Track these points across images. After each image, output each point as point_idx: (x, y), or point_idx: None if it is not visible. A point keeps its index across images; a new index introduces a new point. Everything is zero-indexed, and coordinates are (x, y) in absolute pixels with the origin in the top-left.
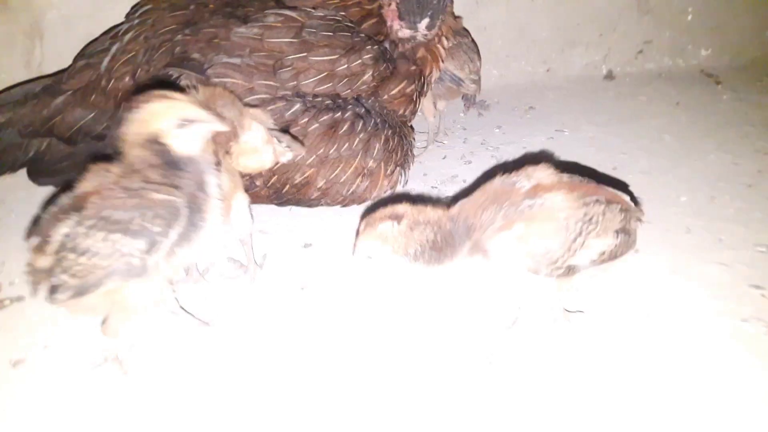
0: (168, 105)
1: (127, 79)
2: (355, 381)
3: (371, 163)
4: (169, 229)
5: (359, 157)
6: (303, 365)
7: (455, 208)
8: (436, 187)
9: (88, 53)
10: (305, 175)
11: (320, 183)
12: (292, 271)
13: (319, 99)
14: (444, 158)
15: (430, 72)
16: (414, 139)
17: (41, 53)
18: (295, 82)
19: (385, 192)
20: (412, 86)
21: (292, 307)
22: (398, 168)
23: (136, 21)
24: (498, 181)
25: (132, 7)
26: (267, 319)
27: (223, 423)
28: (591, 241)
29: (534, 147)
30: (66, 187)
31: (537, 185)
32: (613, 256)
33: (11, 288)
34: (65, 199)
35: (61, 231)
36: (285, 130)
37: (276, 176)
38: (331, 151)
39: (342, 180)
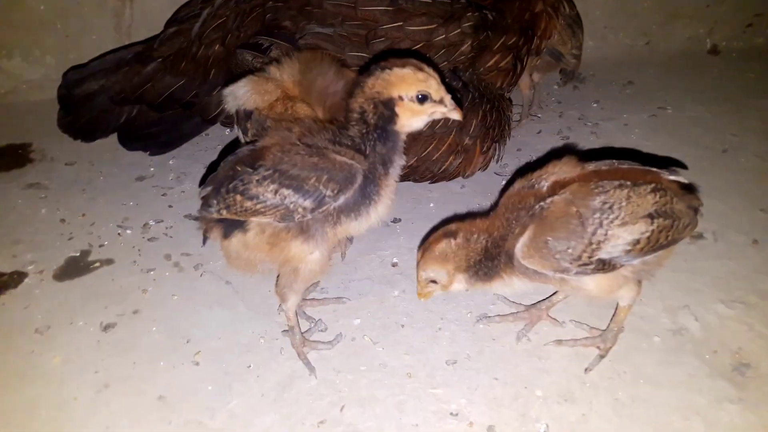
0: (420, 77)
1: (217, 46)
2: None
3: (467, 141)
4: (340, 194)
5: (453, 134)
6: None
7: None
8: (530, 163)
9: (180, 18)
10: None
11: (410, 161)
12: (383, 247)
13: None
14: (539, 133)
15: (542, 39)
16: (512, 113)
17: (131, 15)
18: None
19: (479, 169)
20: (508, 59)
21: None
22: (494, 144)
23: None
24: (517, 185)
25: None
26: (364, 294)
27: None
28: (616, 230)
29: (636, 124)
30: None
31: (554, 182)
32: (656, 244)
33: (101, 250)
34: (245, 150)
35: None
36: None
37: None
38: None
39: (434, 158)
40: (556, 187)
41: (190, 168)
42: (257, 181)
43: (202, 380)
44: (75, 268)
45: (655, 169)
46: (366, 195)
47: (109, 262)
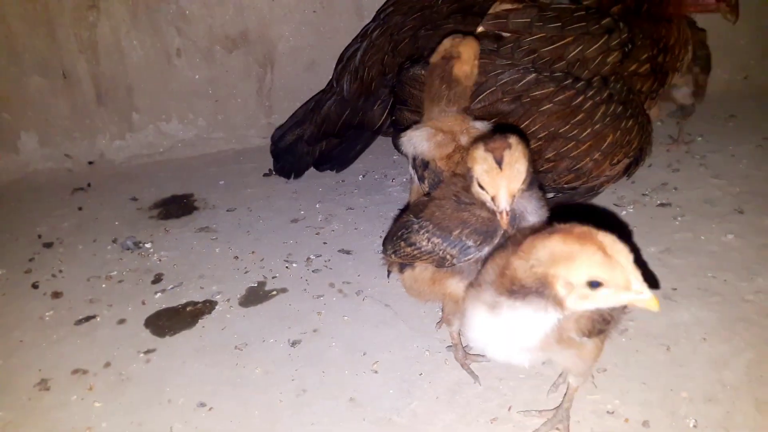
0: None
1: (377, 67)
2: None
3: (596, 155)
4: (482, 245)
5: (586, 145)
6: None
7: None
8: (647, 194)
9: (345, 56)
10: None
11: (549, 154)
12: None
13: (559, 74)
14: (650, 166)
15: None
16: (652, 129)
17: (271, 80)
18: (531, 57)
19: (605, 181)
20: (646, 66)
21: None
22: (626, 159)
23: (382, 20)
24: None
25: (377, 12)
26: None
27: None
28: None
29: (743, 155)
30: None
31: None
32: None
33: (274, 281)
34: (418, 203)
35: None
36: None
37: None
38: (561, 131)
39: (571, 155)
40: None
41: (335, 210)
42: (415, 230)
43: (383, 385)
44: (256, 296)
45: None
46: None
47: (283, 290)
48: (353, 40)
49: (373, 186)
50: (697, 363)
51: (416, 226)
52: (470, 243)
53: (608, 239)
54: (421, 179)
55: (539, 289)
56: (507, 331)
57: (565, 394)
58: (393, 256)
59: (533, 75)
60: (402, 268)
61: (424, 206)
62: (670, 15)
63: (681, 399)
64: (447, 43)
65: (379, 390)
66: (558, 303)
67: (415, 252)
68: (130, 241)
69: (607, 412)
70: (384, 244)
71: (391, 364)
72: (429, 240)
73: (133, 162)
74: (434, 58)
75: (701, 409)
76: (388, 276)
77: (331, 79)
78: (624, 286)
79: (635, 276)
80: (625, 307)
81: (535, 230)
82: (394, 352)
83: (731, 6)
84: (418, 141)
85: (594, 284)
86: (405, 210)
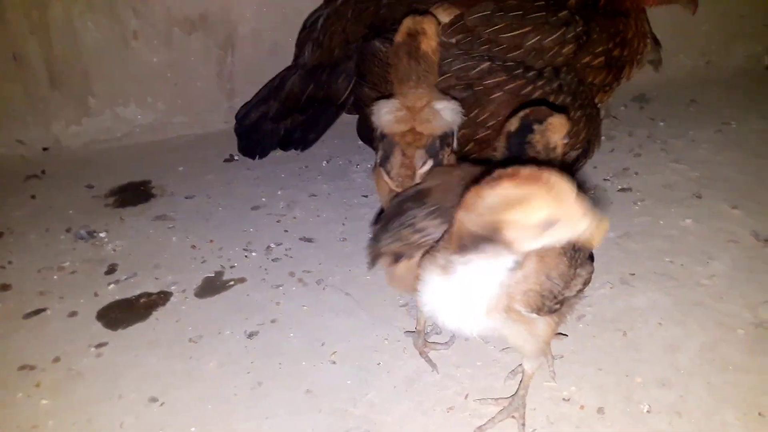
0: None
1: (338, 34)
2: None
3: None
4: None
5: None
6: None
7: None
8: (608, 180)
9: (307, 23)
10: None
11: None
12: None
13: (511, 63)
14: (612, 151)
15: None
16: (601, 121)
17: (232, 62)
18: (488, 46)
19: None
20: (600, 59)
21: None
22: (575, 153)
23: None
24: None
25: None
26: None
27: None
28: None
29: (703, 140)
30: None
31: None
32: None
33: (233, 270)
34: (410, 192)
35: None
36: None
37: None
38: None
39: None
40: None
41: (297, 196)
42: (424, 215)
43: (341, 376)
44: (213, 286)
45: None
46: None
47: (241, 280)
48: (317, 7)
49: (338, 172)
50: (652, 347)
51: (424, 213)
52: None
53: (553, 177)
54: (375, 149)
55: (491, 237)
56: (460, 290)
57: (521, 382)
58: (393, 245)
59: (487, 63)
60: (397, 259)
61: (425, 193)
62: (628, 9)
63: (636, 384)
64: (409, 21)
65: (337, 381)
66: (510, 246)
67: (422, 239)
68: (84, 231)
69: (563, 399)
70: (378, 234)
71: (349, 353)
72: (440, 226)
73: (89, 148)
74: (398, 37)
75: (655, 393)
76: (370, 268)
77: (295, 50)
78: (575, 221)
79: (583, 209)
80: (580, 291)
81: (476, 179)
82: (353, 341)
83: None
84: (382, 113)
85: (547, 223)
86: (395, 200)
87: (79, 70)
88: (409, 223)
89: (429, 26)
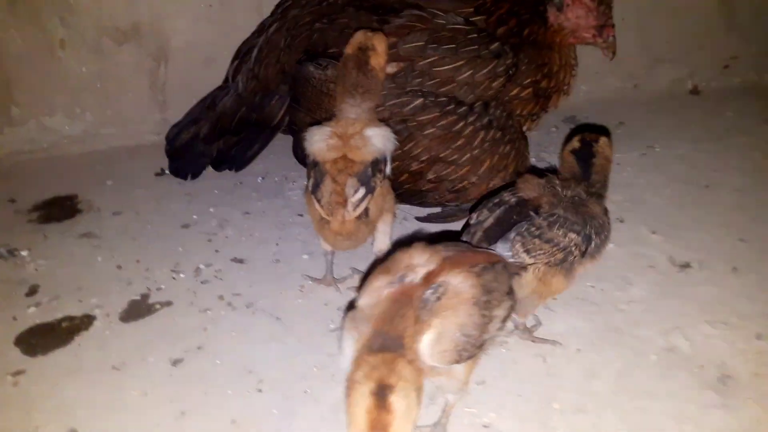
0: None
1: (273, 64)
2: None
3: (473, 179)
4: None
5: (465, 170)
6: None
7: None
8: None
9: (241, 51)
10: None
11: (430, 176)
12: None
13: (443, 99)
14: None
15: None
16: (529, 153)
17: (165, 74)
18: (421, 79)
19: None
20: (528, 90)
21: None
22: (501, 182)
23: (279, 14)
24: (384, 283)
25: (276, 5)
26: None
27: None
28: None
29: (628, 163)
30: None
31: (428, 273)
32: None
33: (159, 293)
34: (510, 201)
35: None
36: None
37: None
38: (442, 155)
39: (451, 178)
40: (431, 277)
41: (230, 214)
42: (548, 225)
43: (267, 405)
44: (138, 310)
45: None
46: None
47: (168, 304)
48: (251, 34)
49: (273, 189)
50: (571, 374)
51: (547, 222)
52: (596, 238)
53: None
54: (308, 176)
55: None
56: None
57: (443, 410)
58: (526, 257)
59: (420, 100)
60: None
61: (533, 204)
62: (552, 43)
63: (553, 410)
64: (360, 35)
65: (263, 410)
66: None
67: (552, 249)
68: (3, 249)
69: (483, 425)
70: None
71: (276, 382)
72: (566, 235)
73: (12, 159)
74: (349, 49)
75: (571, 420)
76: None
77: (227, 75)
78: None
79: None
80: (501, 327)
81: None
82: (281, 369)
83: (608, 43)
84: (313, 140)
85: None
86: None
87: (2, 79)
88: (537, 233)
89: (379, 43)
